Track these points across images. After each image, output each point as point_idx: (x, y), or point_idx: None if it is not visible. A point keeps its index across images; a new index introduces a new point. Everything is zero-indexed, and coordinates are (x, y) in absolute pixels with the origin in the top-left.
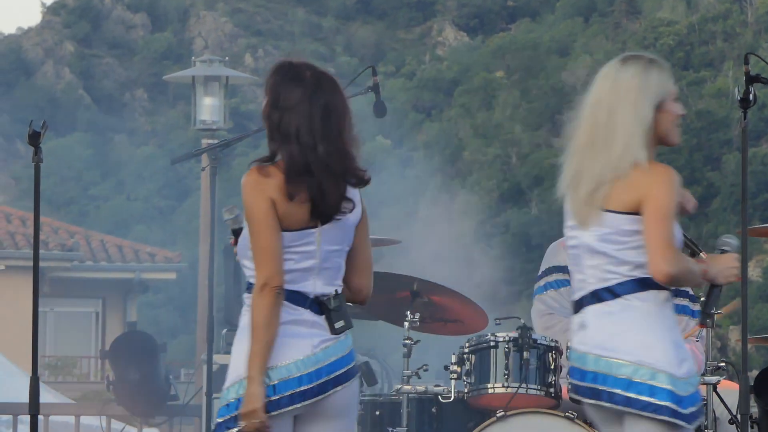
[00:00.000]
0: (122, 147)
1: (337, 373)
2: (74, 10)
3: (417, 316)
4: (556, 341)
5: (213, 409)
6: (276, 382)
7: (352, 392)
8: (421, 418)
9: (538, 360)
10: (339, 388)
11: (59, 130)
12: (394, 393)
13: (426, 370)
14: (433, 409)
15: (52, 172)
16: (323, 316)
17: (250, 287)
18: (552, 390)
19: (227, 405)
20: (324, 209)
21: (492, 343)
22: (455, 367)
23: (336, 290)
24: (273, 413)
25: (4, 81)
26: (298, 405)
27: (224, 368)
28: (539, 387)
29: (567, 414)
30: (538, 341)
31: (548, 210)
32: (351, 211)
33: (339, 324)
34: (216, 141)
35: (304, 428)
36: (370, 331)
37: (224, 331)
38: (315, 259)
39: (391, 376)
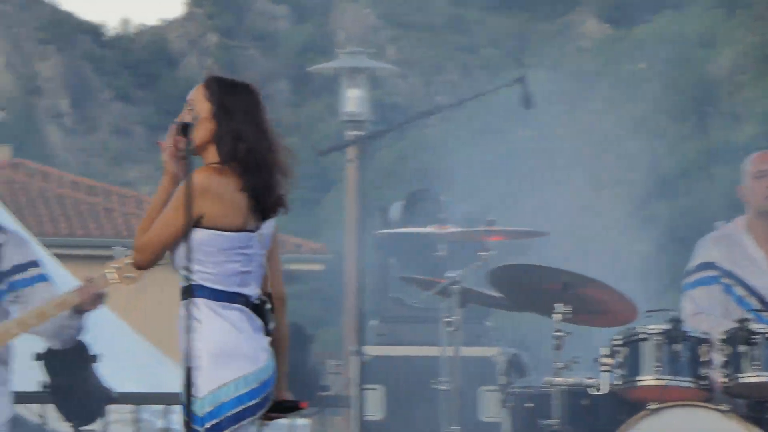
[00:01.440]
0: None
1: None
2: (218, 1)
3: (567, 308)
4: (708, 334)
5: (365, 400)
6: (256, 385)
7: None
8: (572, 411)
9: (690, 352)
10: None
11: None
12: (544, 385)
13: (577, 362)
14: (584, 402)
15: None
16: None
17: (199, 290)
18: (704, 382)
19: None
20: (267, 206)
21: (643, 336)
22: (606, 360)
23: (266, 292)
24: (258, 414)
25: (148, 72)
26: (268, 404)
27: (375, 360)
28: (691, 379)
29: (720, 407)
30: (690, 333)
31: (696, 203)
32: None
33: (272, 325)
34: (361, 133)
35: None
36: (518, 322)
37: (374, 322)
38: (254, 263)
39: (540, 368)
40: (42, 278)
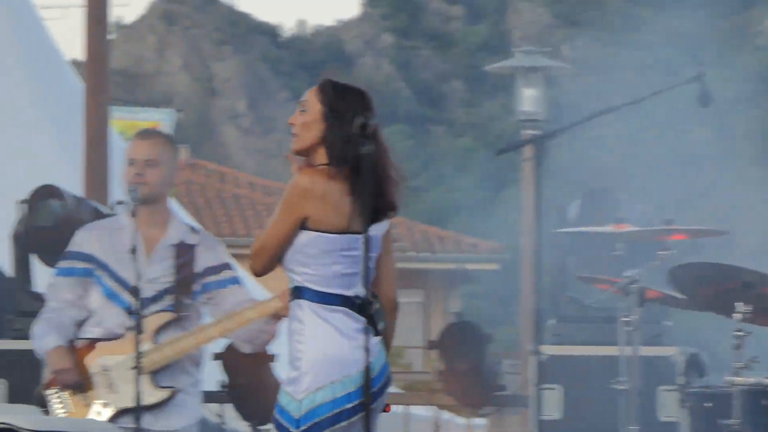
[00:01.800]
0: (441, 138)
1: (388, 372)
2: (393, 2)
3: (747, 307)
4: None
5: (542, 399)
6: (354, 389)
7: None
8: (752, 411)
9: None
10: (388, 388)
11: (380, 122)
12: (724, 385)
13: (757, 362)
14: (765, 402)
15: None
16: (366, 320)
17: (303, 292)
18: None
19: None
20: (376, 209)
21: None
22: None
23: (374, 293)
24: (354, 418)
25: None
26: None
27: (552, 359)
28: None
29: None
30: None
31: None
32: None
33: (381, 325)
34: (537, 132)
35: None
36: (698, 322)
37: (551, 321)
38: (359, 265)
39: (719, 368)
40: (234, 281)
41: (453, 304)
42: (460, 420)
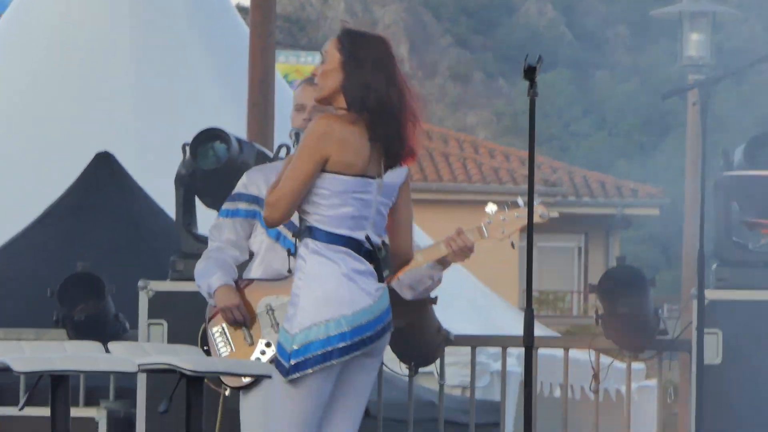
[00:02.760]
0: (604, 83)
1: (389, 318)
2: None
3: None
4: None
5: (703, 344)
6: (348, 329)
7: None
8: None
9: None
10: (388, 333)
11: (542, 67)
12: None
13: None
14: None
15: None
16: (372, 265)
17: (311, 232)
18: None
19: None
20: (393, 154)
21: None
22: None
23: (383, 240)
24: (346, 357)
25: (487, 19)
26: (365, 349)
27: (715, 304)
28: None
29: None
30: None
31: None
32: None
33: (386, 273)
34: (702, 77)
35: (350, 364)
36: None
37: (715, 265)
38: (371, 209)
39: None
40: None
41: (613, 249)
42: (619, 364)
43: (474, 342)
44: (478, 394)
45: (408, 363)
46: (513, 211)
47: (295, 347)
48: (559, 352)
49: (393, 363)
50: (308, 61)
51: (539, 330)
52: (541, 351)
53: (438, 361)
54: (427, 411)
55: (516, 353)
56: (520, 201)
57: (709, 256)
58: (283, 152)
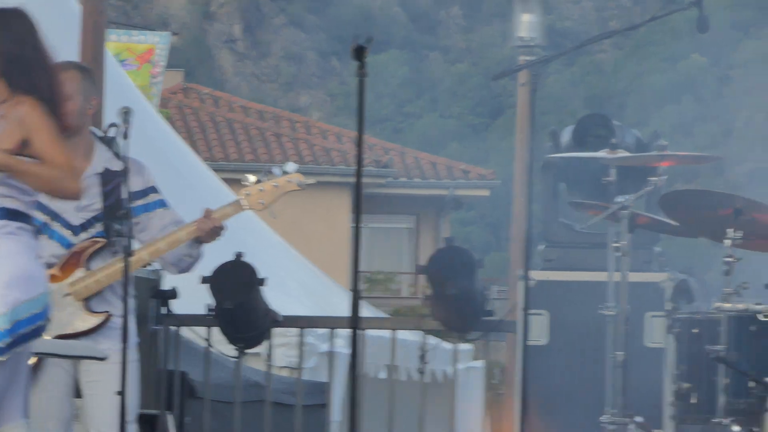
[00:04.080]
0: (436, 65)
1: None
2: None
3: (738, 233)
4: None
5: (529, 325)
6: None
7: None
8: (739, 337)
9: None
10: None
11: (374, 48)
12: (712, 311)
13: (746, 288)
14: (752, 328)
15: (367, 89)
16: None
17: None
18: None
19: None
20: None
21: None
22: None
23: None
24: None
25: (322, 0)
26: None
27: (541, 285)
28: None
29: None
30: None
31: None
32: None
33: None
34: (533, 58)
35: None
36: (688, 248)
37: (541, 247)
38: None
39: (708, 295)
40: (161, 204)
41: (443, 230)
42: (447, 345)
43: (302, 323)
44: (305, 376)
45: (236, 344)
46: (271, 182)
47: (7, 326)
48: (387, 333)
49: (221, 344)
50: (141, 40)
51: (369, 311)
52: (369, 332)
53: (266, 343)
54: (254, 392)
55: (344, 334)
56: (276, 170)
57: (536, 237)
58: (112, 131)
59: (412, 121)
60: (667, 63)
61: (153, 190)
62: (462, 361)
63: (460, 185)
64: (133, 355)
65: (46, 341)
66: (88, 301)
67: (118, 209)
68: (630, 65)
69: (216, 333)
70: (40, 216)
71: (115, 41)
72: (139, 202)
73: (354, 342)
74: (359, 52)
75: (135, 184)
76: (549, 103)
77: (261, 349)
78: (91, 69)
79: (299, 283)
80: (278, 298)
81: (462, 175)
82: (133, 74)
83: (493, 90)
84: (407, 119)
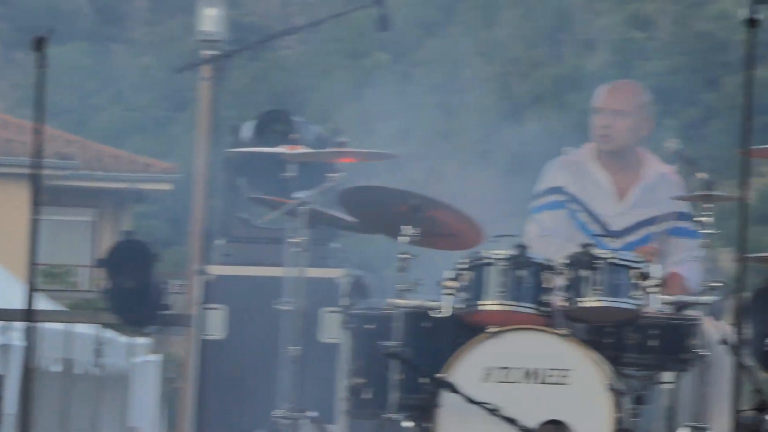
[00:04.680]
0: (121, 57)
1: None
2: None
3: (414, 230)
4: (552, 260)
5: (206, 319)
6: None
7: None
8: (413, 333)
9: (533, 278)
10: None
11: (58, 39)
12: (387, 307)
13: (421, 285)
14: (426, 324)
15: (50, 80)
16: None
17: None
18: (546, 308)
19: None
20: None
21: (488, 260)
22: (450, 283)
23: None
24: None
25: None
26: None
27: (219, 279)
28: (533, 305)
29: (559, 331)
30: (534, 259)
31: (546, 130)
32: None
33: None
34: (217, 52)
35: None
36: (365, 244)
37: (219, 242)
38: None
39: (385, 291)
40: None
41: (125, 223)
42: (123, 339)
43: None
44: None
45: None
46: None
47: None
48: (63, 327)
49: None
50: None
51: (45, 304)
52: (45, 325)
53: None
54: None
55: (19, 327)
56: None
57: (215, 232)
58: None
59: (94, 113)
60: (350, 60)
61: None
62: (138, 355)
63: (142, 179)
64: None
65: None
66: None
67: None
68: (314, 61)
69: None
70: None
71: None
72: None
73: (28, 335)
74: (39, 44)
75: None
76: (232, 98)
77: None
78: None
79: None
80: None
81: (144, 169)
82: None
83: (177, 84)
84: (90, 111)
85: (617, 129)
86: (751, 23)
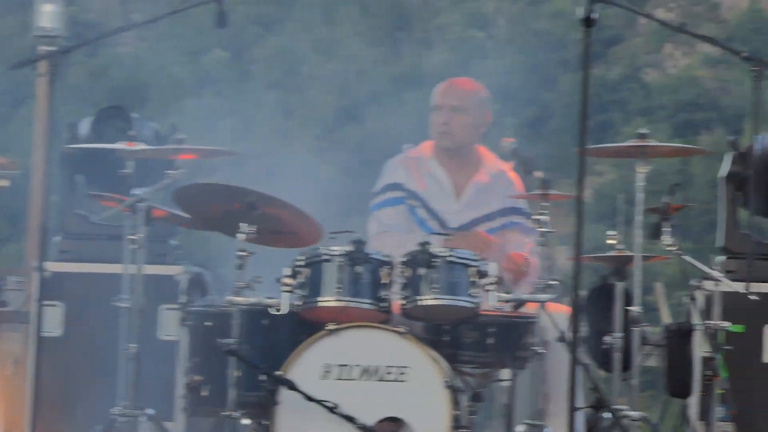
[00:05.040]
0: None
1: None
2: None
3: (252, 228)
4: (390, 256)
5: (43, 316)
6: None
7: None
8: (252, 330)
9: (371, 274)
10: None
11: None
12: (225, 304)
13: (259, 282)
14: (264, 321)
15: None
16: None
17: None
18: (384, 304)
19: None
20: None
21: (326, 257)
22: (288, 280)
23: None
24: None
25: None
26: None
27: (56, 276)
28: (371, 301)
29: (397, 328)
30: (372, 256)
31: (385, 127)
32: None
33: None
34: (54, 48)
35: None
36: (204, 242)
37: (57, 238)
38: None
39: (223, 288)
40: None
41: None
42: None
43: None
44: None
45: None
46: None
47: None
48: None
49: None
50: None
51: None
52: None
53: None
54: None
55: None
56: None
57: (53, 228)
58: None
59: None
60: (189, 56)
61: None
62: None
63: None
64: None
65: None
66: None
67: None
68: (152, 58)
69: None
70: None
71: None
72: None
73: None
74: None
75: None
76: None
77: None
78: None
79: None
80: None
81: None
82: None
83: (14, 79)
84: None
85: (456, 125)
86: (588, 22)
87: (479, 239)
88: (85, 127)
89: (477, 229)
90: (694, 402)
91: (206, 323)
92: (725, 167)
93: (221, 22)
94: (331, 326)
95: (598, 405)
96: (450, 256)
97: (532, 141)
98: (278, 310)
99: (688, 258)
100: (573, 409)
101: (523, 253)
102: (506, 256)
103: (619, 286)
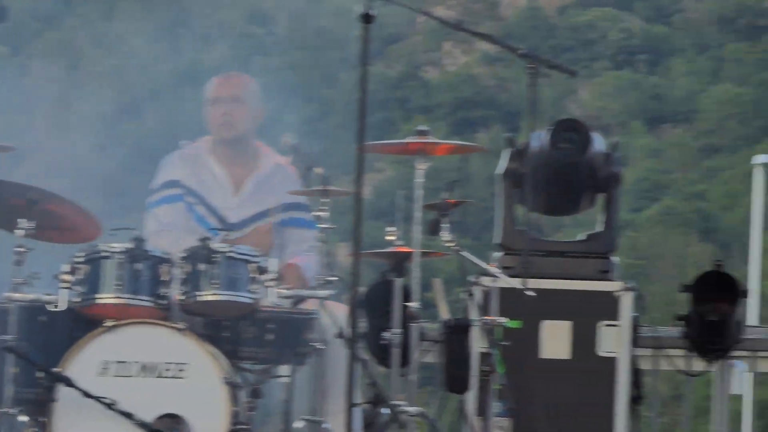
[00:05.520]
0: None
1: None
2: None
3: (31, 223)
4: (169, 253)
5: None
6: None
7: None
8: (30, 327)
9: (151, 271)
10: None
11: None
12: (2, 300)
13: (38, 279)
14: (42, 318)
15: None
16: None
17: None
18: (163, 301)
19: None
20: None
21: (105, 254)
22: (66, 276)
23: None
24: None
25: None
26: None
27: None
28: (150, 298)
29: (176, 325)
30: (151, 252)
31: (163, 123)
32: None
33: None
34: None
35: None
36: None
37: None
38: None
39: (0, 284)
40: None
41: None
42: None
43: None
44: None
45: None
46: None
47: None
48: None
49: None
50: None
51: None
52: None
53: None
54: None
55: None
56: None
57: None
58: None
59: None
60: None
61: None
62: None
63: None
64: None
65: None
66: None
67: None
68: None
69: None
70: None
71: None
72: None
73: None
74: None
75: None
76: None
77: None
78: None
79: None
80: None
81: None
82: None
83: None
84: None
85: (237, 115)
86: (366, 19)
87: (261, 235)
88: None
89: (257, 225)
90: (471, 397)
91: None
92: (502, 164)
93: (1, 17)
94: (109, 323)
95: (377, 401)
96: (230, 251)
97: (313, 138)
98: (56, 307)
99: (465, 254)
100: (351, 405)
101: (295, 263)
102: (285, 266)
103: (398, 282)
